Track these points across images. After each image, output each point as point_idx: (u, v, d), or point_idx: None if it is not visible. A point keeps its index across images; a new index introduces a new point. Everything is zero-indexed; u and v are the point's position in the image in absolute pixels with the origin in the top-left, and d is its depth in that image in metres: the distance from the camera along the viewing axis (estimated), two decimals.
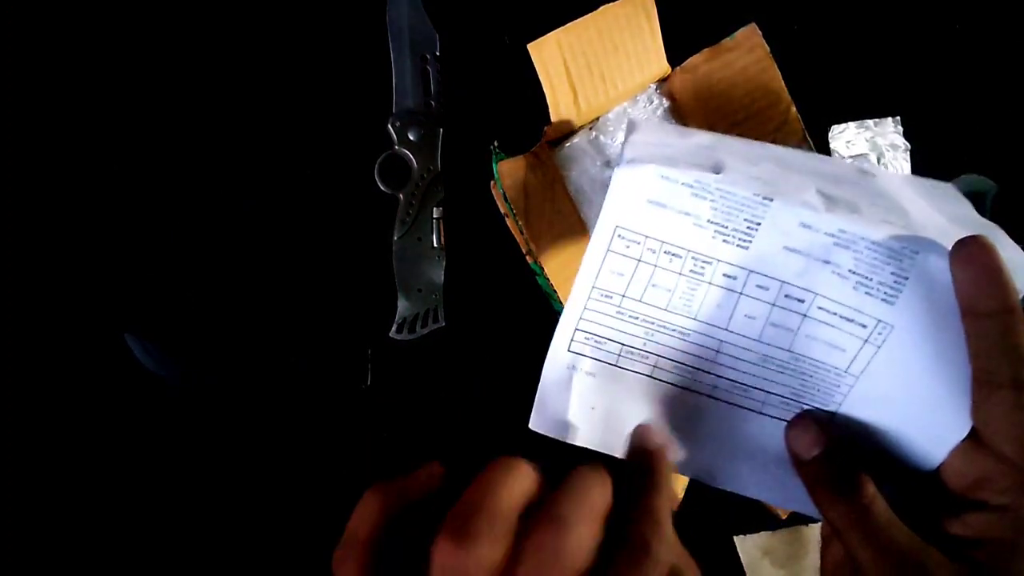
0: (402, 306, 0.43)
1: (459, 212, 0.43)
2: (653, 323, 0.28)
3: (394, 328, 0.43)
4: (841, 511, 0.25)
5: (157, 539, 0.43)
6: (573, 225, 0.41)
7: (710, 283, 0.27)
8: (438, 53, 0.44)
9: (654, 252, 0.26)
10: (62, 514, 0.43)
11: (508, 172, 0.38)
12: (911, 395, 0.26)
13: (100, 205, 0.43)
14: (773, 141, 0.40)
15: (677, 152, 0.26)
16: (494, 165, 0.38)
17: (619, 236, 0.26)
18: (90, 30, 0.43)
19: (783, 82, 0.39)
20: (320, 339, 0.43)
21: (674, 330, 0.28)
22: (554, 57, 0.37)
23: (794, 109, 0.39)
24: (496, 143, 0.40)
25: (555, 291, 0.39)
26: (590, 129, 0.41)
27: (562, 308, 0.40)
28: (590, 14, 0.37)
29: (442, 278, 0.43)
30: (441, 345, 0.43)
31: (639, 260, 0.26)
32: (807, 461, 0.27)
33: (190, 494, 0.43)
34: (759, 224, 0.25)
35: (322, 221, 0.43)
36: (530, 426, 0.29)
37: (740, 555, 0.43)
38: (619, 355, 0.28)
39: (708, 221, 0.26)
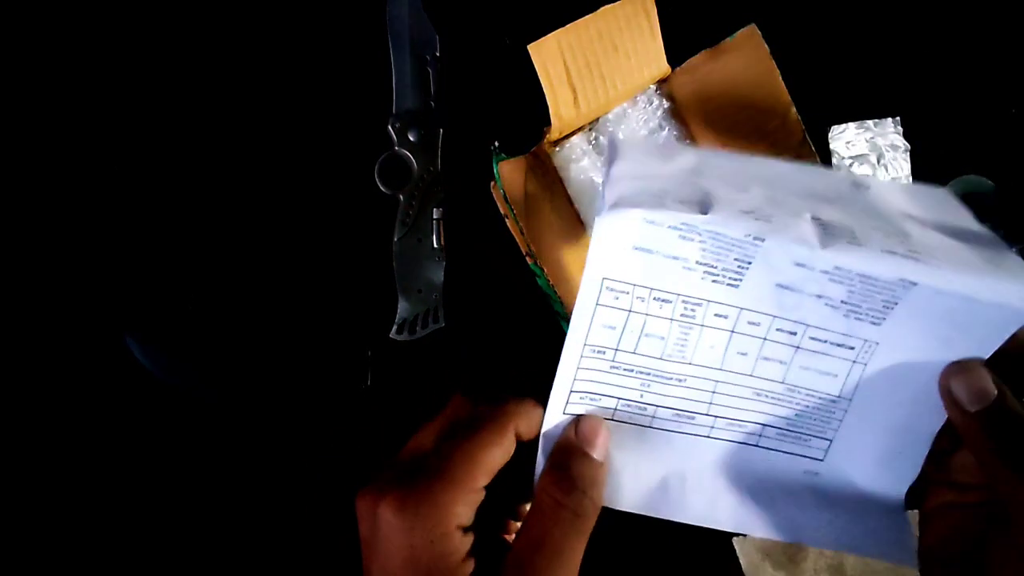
0: (402, 307, 0.43)
1: (459, 212, 0.43)
2: (649, 374, 0.27)
3: (394, 329, 0.43)
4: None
5: (157, 539, 0.43)
6: (573, 225, 0.41)
7: (702, 325, 0.26)
8: (438, 53, 0.44)
9: (643, 300, 0.26)
10: (62, 514, 0.43)
11: (508, 172, 0.38)
12: (902, 403, 0.26)
13: (100, 205, 0.43)
14: (773, 142, 0.40)
15: (661, 185, 0.25)
16: (494, 165, 0.38)
17: (607, 288, 0.25)
18: (90, 30, 0.43)
19: (783, 82, 0.39)
20: (320, 339, 0.43)
21: (670, 378, 0.27)
22: (554, 57, 0.37)
23: (794, 109, 0.39)
24: (496, 143, 0.39)
25: (555, 291, 0.39)
26: (590, 129, 0.41)
27: (562, 308, 0.40)
28: (590, 14, 0.37)
29: (442, 279, 0.43)
30: (441, 345, 0.43)
31: (629, 311, 0.26)
32: (972, 413, 0.24)
33: (190, 494, 0.43)
34: (750, 263, 0.25)
35: (322, 222, 0.43)
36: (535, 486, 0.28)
37: (739, 557, 0.43)
38: (615, 410, 0.28)
39: (697, 263, 0.25)
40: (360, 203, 0.43)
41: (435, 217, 0.43)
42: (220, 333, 0.43)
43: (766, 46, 0.39)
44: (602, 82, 0.38)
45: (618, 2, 0.37)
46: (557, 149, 0.41)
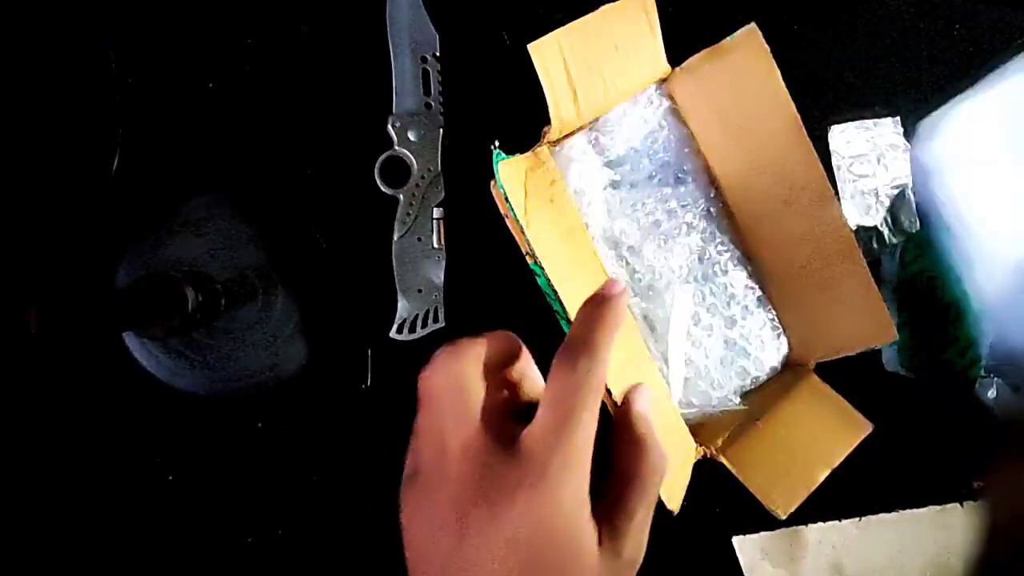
0: (402, 306, 0.43)
1: (459, 212, 0.43)
2: None
3: (394, 328, 0.43)
4: None
5: (157, 539, 0.43)
6: (573, 225, 0.41)
7: None
8: (438, 53, 0.44)
9: None
10: (62, 514, 0.43)
11: (508, 172, 0.38)
12: None
13: (100, 204, 0.43)
14: (773, 142, 0.40)
15: None
16: (494, 165, 0.38)
17: None
18: (90, 29, 0.43)
19: (783, 82, 0.39)
20: (320, 339, 0.43)
21: None
22: (554, 57, 0.37)
23: (794, 109, 0.39)
24: (496, 143, 0.39)
25: (555, 291, 0.39)
26: (590, 129, 0.41)
27: (562, 308, 0.40)
28: (590, 14, 0.37)
29: (442, 278, 0.43)
30: (441, 345, 0.43)
31: None
32: None
33: (190, 494, 0.43)
34: None
35: (322, 221, 0.43)
36: None
37: (739, 556, 0.43)
38: None
39: None
40: (360, 202, 0.43)
41: (435, 217, 0.43)
42: (220, 333, 0.43)
43: (766, 46, 0.39)
44: (602, 82, 0.38)
45: (618, 2, 0.37)
46: (557, 149, 0.41)
